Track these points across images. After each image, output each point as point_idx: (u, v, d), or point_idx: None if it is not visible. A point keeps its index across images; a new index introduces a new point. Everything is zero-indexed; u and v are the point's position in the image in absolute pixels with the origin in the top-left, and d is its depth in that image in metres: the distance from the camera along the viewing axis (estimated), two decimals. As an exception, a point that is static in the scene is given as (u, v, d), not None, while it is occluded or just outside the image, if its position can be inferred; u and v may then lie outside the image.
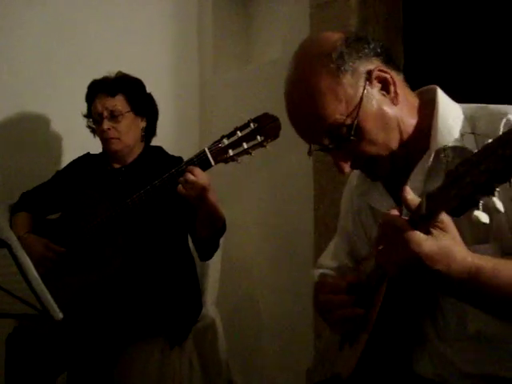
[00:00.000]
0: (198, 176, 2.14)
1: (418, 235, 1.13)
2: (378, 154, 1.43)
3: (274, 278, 3.26)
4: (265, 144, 2.08)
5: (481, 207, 0.99)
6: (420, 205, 1.13)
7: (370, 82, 1.41)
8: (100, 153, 2.85)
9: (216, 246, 2.55)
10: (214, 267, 3.00)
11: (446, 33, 2.54)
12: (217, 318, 2.97)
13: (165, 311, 2.59)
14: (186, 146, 3.47)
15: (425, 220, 1.13)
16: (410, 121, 1.47)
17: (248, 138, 2.09)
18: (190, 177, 2.13)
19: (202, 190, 2.16)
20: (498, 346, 1.37)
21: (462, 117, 1.45)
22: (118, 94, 2.68)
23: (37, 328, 2.44)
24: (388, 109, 1.43)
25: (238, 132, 2.10)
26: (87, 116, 2.81)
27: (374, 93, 1.42)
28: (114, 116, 2.66)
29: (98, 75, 2.76)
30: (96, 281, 2.52)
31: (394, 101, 1.43)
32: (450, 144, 1.40)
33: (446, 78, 1.58)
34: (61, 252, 2.57)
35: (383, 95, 1.43)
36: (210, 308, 2.98)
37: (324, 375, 2.82)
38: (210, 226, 2.37)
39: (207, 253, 2.59)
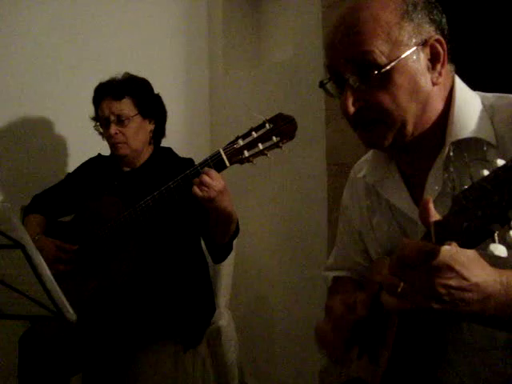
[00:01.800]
0: (214, 178, 2.11)
1: (449, 251, 1.03)
2: (390, 112, 1.35)
3: (287, 281, 3.23)
4: (280, 145, 2.05)
5: (496, 239, 0.92)
6: (429, 233, 1.05)
7: (424, 47, 1.35)
8: (110, 154, 2.82)
9: (229, 249, 2.52)
10: (226, 270, 2.99)
11: (457, 25, 2.50)
12: (230, 320, 2.96)
13: (178, 314, 2.58)
14: (196, 146, 3.49)
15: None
16: (437, 106, 1.40)
17: (263, 138, 2.06)
18: (206, 179, 2.10)
19: (218, 193, 2.13)
20: None
21: (480, 106, 1.40)
22: (124, 97, 2.65)
23: (50, 329, 2.43)
24: (424, 83, 1.36)
25: (254, 133, 2.07)
26: (95, 119, 2.79)
27: (422, 58, 1.35)
28: (121, 120, 2.63)
29: (107, 77, 2.74)
30: (109, 284, 2.50)
31: (434, 79, 1.37)
32: (466, 136, 1.35)
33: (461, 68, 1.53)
34: (73, 252, 2.56)
35: (427, 68, 1.36)
36: (223, 311, 2.97)
37: (337, 377, 2.80)
38: (223, 229, 2.35)
39: (220, 255, 2.56)
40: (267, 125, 2.06)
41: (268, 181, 3.32)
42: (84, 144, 3.06)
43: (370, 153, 1.66)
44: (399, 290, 1.05)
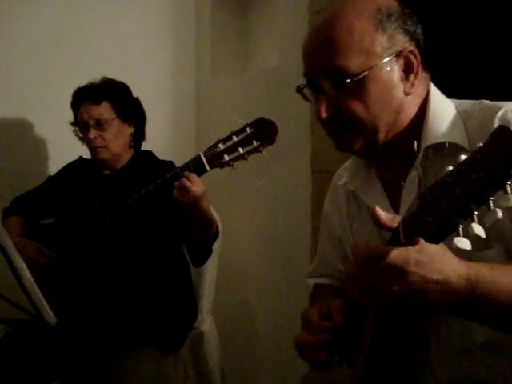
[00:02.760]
0: (195, 182, 2.11)
1: (401, 252, 1.03)
2: (362, 120, 1.38)
3: (271, 286, 3.23)
4: (261, 149, 2.05)
5: (461, 232, 0.93)
6: (397, 231, 1.07)
7: (398, 58, 1.38)
8: (92, 157, 2.80)
9: (209, 253, 2.52)
10: (210, 275, 2.97)
11: (438, 30, 2.50)
12: (212, 325, 2.94)
13: (160, 318, 2.56)
14: (182, 150, 3.46)
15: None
16: (410, 114, 1.43)
17: (244, 142, 2.06)
18: (187, 183, 2.10)
19: (198, 198, 2.13)
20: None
21: (454, 112, 1.42)
22: (103, 101, 2.63)
23: (28, 334, 2.41)
24: (397, 92, 1.39)
25: (234, 137, 2.07)
26: (74, 124, 2.77)
27: (395, 69, 1.39)
28: (100, 124, 2.62)
29: (91, 79, 2.71)
30: (88, 288, 2.47)
31: (407, 90, 1.40)
32: (440, 140, 1.37)
33: (438, 74, 1.54)
34: (53, 256, 2.54)
35: (401, 78, 1.40)
36: (206, 316, 2.95)
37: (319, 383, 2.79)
38: (202, 233, 2.35)
39: (200, 259, 2.56)
40: (248, 129, 2.06)
41: (253, 187, 3.32)
42: (65, 147, 3.01)
43: (350, 161, 1.68)
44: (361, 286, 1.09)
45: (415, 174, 1.40)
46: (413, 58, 1.39)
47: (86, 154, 2.83)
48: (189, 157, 2.25)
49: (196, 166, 2.13)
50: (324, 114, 1.41)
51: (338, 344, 1.39)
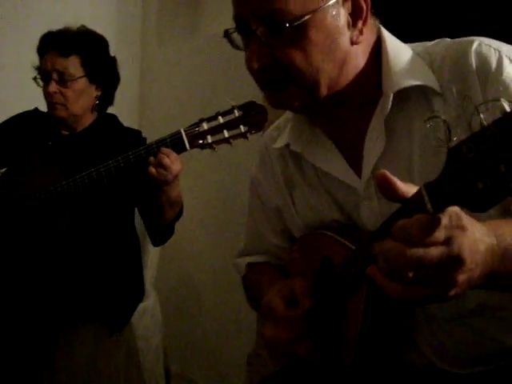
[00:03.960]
0: (174, 161, 2.00)
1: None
2: (301, 72, 1.22)
3: (214, 260, 3.19)
4: (247, 135, 1.94)
5: None
6: (419, 201, 0.86)
7: (345, 1, 1.22)
8: (48, 112, 2.54)
9: (171, 231, 2.42)
10: (153, 247, 2.88)
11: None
12: (156, 300, 2.87)
13: (106, 294, 2.42)
14: (123, 121, 3.34)
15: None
16: (358, 66, 1.29)
17: (230, 125, 1.94)
18: (166, 161, 1.98)
19: (174, 177, 2.03)
20: (503, 315, 1.27)
21: (411, 54, 1.29)
22: (72, 55, 2.39)
23: None
24: (342, 41, 1.23)
25: (220, 118, 1.95)
26: (38, 69, 2.50)
27: (341, 14, 1.22)
28: (63, 79, 2.38)
29: (36, 32, 2.49)
30: (31, 256, 2.31)
31: (354, 38, 1.25)
32: (410, 84, 1.24)
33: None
34: None
35: (347, 25, 1.23)
36: (149, 288, 2.87)
37: (265, 360, 2.79)
38: (169, 212, 2.25)
39: (162, 238, 2.46)
40: (236, 112, 1.93)
41: (200, 155, 3.23)
42: (19, 96, 2.79)
43: (282, 119, 1.56)
44: (411, 275, 0.87)
45: (379, 125, 1.27)
46: (362, 2, 1.23)
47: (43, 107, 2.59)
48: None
49: (175, 143, 2.00)
50: (256, 64, 1.23)
51: (311, 331, 1.29)
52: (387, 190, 0.90)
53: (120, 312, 2.50)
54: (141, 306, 2.71)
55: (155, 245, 2.53)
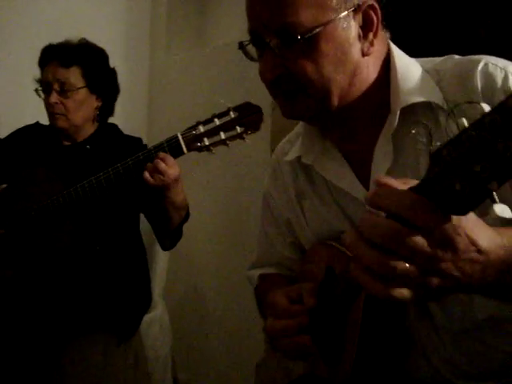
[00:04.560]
0: (171, 166, 2.01)
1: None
2: (313, 82, 1.24)
3: (224, 272, 3.18)
4: (244, 136, 1.95)
5: (496, 198, 0.76)
6: None
7: (356, 13, 1.24)
8: (49, 125, 2.55)
9: (179, 235, 2.42)
10: (162, 256, 2.90)
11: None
12: (164, 310, 2.87)
13: (113, 303, 2.41)
14: (131, 130, 3.34)
15: None
16: (369, 77, 1.30)
17: (226, 127, 1.95)
18: (162, 166, 1.99)
19: (173, 181, 2.03)
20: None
21: (421, 70, 1.31)
22: (73, 66, 2.41)
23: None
24: (353, 53, 1.25)
25: (216, 120, 1.96)
26: (39, 82, 2.51)
27: (352, 26, 1.24)
28: (64, 90, 2.40)
29: (42, 42, 2.50)
30: (37, 266, 2.32)
31: (365, 50, 1.27)
32: (417, 100, 1.25)
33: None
34: None
35: (358, 37, 1.25)
36: (158, 299, 2.87)
37: (275, 371, 2.77)
38: (174, 216, 2.25)
39: (170, 242, 2.45)
40: (232, 113, 1.95)
41: (207, 166, 3.23)
42: (20, 110, 2.82)
43: (293, 134, 1.59)
44: (398, 269, 0.82)
45: (387, 140, 1.29)
46: (373, 14, 1.26)
47: (44, 121, 2.60)
48: (138, 136, 2.14)
49: (172, 148, 2.01)
50: (269, 75, 1.26)
51: (313, 333, 1.29)
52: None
53: (128, 320, 2.49)
54: (149, 315, 2.71)
55: (165, 249, 2.52)
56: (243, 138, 1.96)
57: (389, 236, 0.82)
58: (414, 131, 1.18)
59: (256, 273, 1.74)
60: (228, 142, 1.97)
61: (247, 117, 1.94)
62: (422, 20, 2.28)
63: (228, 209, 3.17)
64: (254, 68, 1.95)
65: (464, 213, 0.80)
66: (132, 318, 2.52)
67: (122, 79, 3.42)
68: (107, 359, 2.40)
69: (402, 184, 0.86)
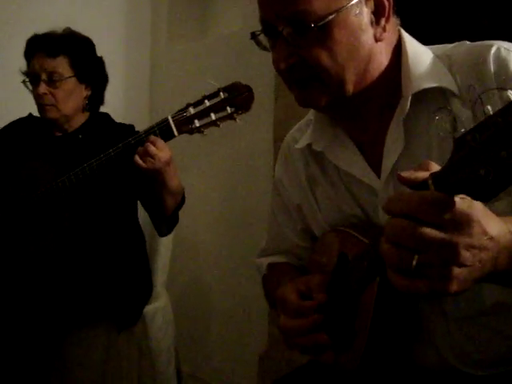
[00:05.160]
0: (161, 148, 1.99)
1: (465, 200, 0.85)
2: (327, 70, 1.24)
3: (227, 263, 3.16)
4: (235, 116, 1.94)
5: None
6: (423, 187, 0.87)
7: (367, 0, 1.25)
8: (41, 116, 2.55)
9: (176, 220, 2.40)
10: (164, 247, 2.86)
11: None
12: (167, 301, 2.85)
13: (114, 292, 2.40)
14: (134, 120, 3.33)
15: None
16: (382, 63, 1.31)
17: (217, 108, 1.94)
18: (152, 149, 1.98)
19: (164, 164, 2.01)
20: None
21: (433, 56, 1.31)
22: (59, 55, 2.40)
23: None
24: (366, 39, 1.26)
25: (206, 101, 1.95)
26: (26, 74, 2.51)
27: (364, 12, 1.24)
28: (52, 80, 2.39)
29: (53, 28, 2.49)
30: (36, 257, 2.31)
31: (378, 35, 1.27)
32: (428, 86, 1.25)
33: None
34: None
35: (371, 23, 1.26)
36: (160, 289, 2.85)
37: (278, 362, 2.75)
38: (168, 201, 2.23)
39: (166, 228, 2.43)
40: (221, 94, 1.94)
41: (210, 156, 3.23)
42: (12, 103, 2.81)
43: (304, 121, 1.58)
44: (414, 263, 0.86)
45: (399, 126, 1.29)
46: (384, 0, 1.26)
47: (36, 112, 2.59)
48: (141, 127, 2.15)
49: (163, 131, 2.01)
50: (283, 64, 1.26)
51: (324, 326, 1.30)
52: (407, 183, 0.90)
53: (129, 309, 2.48)
54: (152, 307, 2.69)
55: (161, 235, 2.50)
56: (234, 119, 1.95)
57: (406, 235, 0.86)
58: (438, 117, 1.14)
59: (265, 261, 1.73)
60: (219, 122, 1.96)
61: (237, 97, 1.93)
62: (422, 10, 2.26)
63: (232, 199, 3.15)
64: (256, 58, 1.96)
65: (487, 199, 0.80)
66: (133, 307, 2.51)
67: (123, 70, 3.47)
68: (110, 350, 2.40)
69: (424, 171, 0.88)
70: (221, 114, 1.95)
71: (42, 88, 2.39)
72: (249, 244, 2.95)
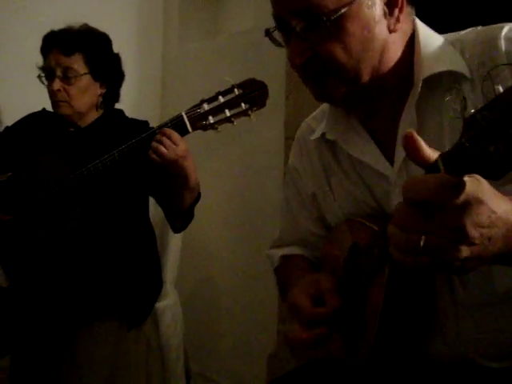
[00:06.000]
0: (175, 141, 1.98)
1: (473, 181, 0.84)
2: (342, 64, 1.24)
3: (237, 261, 3.15)
4: (249, 113, 1.92)
5: None
6: (435, 170, 0.86)
7: None
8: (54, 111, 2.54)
9: (191, 216, 2.39)
10: (174, 244, 2.86)
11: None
12: (177, 299, 2.84)
13: (123, 289, 2.40)
14: (145, 119, 3.36)
15: None
16: (396, 53, 1.30)
17: (231, 104, 1.93)
18: (166, 141, 1.97)
19: (179, 158, 2.00)
20: None
21: (444, 42, 1.31)
22: (75, 53, 2.39)
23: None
24: (380, 30, 1.25)
25: (221, 97, 1.94)
26: (42, 69, 2.50)
27: (377, 3, 1.23)
28: (67, 76, 2.38)
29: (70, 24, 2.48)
30: (47, 253, 2.31)
31: (391, 27, 1.26)
32: (440, 70, 1.25)
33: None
34: (4, 220, 2.35)
35: (384, 14, 1.25)
36: (170, 287, 2.84)
37: (287, 361, 2.74)
38: (188, 196, 2.22)
39: (182, 224, 2.42)
40: (236, 90, 1.93)
41: (221, 154, 3.22)
42: (26, 97, 2.79)
43: (319, 111, 1.59)
44: (422, 243, 0.85)
45: (411, 112, 1.29)
46: None
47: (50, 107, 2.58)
48: (152, 125, 2.14)
49: (176, 126, 1.99)
50: (298, 60, 1.26)
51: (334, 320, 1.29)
52: (412, 150, 0.87)
53: (138, 305, 2.47)
54: (161, 304, 2.68)
55: (176, 231, 2.49)
56: (249, 115, 1.94)
57: (414, 219, 0.86)
58: (448, 98, 1.16)
59: (278, 252, 1.72)
60: (233, 119, 1.94)
61: (252, 93, 1.92)
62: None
63: (242, 197, 3.14)
64: (266, 56, 1.96)
65: (497, 177, 0.78)
66: (142, 304, 2.50)
67: (135, 68, 3.46)
68: (119, 347, 2.39)
69: (431, 151, 0.87)
70: (235, 111, 1.94)
71: (57, 84, 2.39)
72: (259, 243, 2.95)
